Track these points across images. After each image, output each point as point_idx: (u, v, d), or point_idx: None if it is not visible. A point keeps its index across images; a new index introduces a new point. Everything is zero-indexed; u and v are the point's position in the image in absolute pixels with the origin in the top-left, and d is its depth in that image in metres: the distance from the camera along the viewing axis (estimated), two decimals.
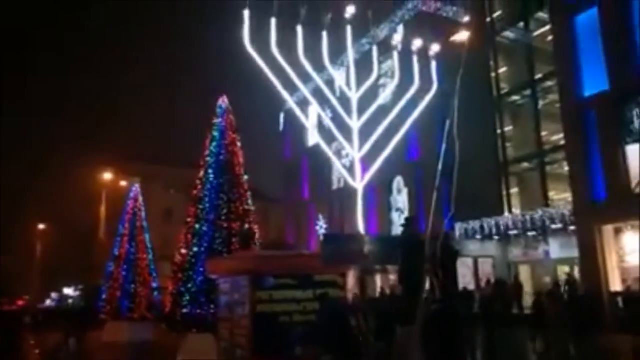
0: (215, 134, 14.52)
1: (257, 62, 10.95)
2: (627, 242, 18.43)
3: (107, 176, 33.51)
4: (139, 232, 22.85)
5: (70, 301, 51.59)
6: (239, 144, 14.64)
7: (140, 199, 23.64)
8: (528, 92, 26.31)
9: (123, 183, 34.24)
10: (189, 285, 12.78)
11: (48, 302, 55.19)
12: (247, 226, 13.55)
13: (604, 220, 18.65)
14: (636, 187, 17.88)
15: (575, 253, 20.09)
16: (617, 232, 18.73)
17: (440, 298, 6.39)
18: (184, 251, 13.44)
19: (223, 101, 14.93)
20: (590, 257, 18.82)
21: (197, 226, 13.46)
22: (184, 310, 12.54)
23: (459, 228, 24.03)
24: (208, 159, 14.13)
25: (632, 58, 18.36)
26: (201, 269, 12.60)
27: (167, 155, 51.01)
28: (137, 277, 21.83)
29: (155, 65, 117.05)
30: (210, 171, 13.93)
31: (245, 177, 14.38)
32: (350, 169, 11.65)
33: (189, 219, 13.82)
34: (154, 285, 22.20)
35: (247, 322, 9.55)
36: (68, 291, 56.99)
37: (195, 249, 13.19)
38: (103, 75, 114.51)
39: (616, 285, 18.05)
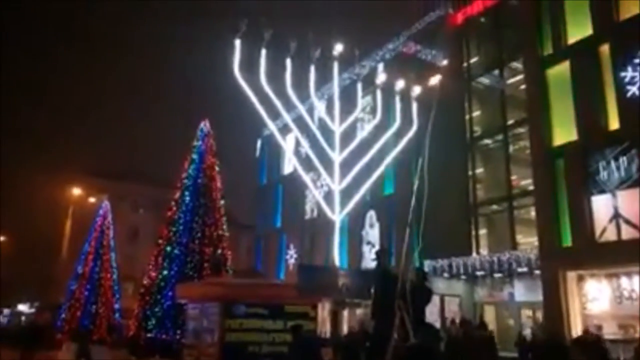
0: (195, 156, 14.49)
1: (241, 89, 11.12)
2: (589, 290, 18.96)
3: (76, 191, 32.73)
4: (104, 250, 22.28)
5: (23, 318, 49.22)
6: (217, 168, 14.64)
7: (109, 216, 23.17)
8: (500, 136, 27.17)
9: (91, 199, 33.49)
10: (156, 309, 12.46)
11: None
12: (219, 251, 13.41)
13: (568, 266, 19.16)
14: (600, 237, 18.53)
15: (539, 297, 20.46)
16: (580, 279, 19.25)
17: (420, 335, 6.45)
18: (153, 273, 13.17)
19: (205, 124, 14.97)
20: (554, 303, 19.23)
21: (168, 248, 13.25)
22: (149, 335, 12.19)
23: (427, 265, 24.26)
24: (185, 181, 14.04)
25: (599, 112, 19.28)
26: (170, 293, 12.36)
27: (138, 174, 50.08)
28: (100, 297, 21.17)
29: (132, 82, 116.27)
30: (186, 193, 13.82)
31: (222, 201, 14.33)
32: (327, 200, 11.77)
33: (160, 241, 13.58)
34: (116, 306, 21.55)
35: (215, 350, 9.41)
36: (22, 307, 54.48)
37: (165, 272, 12.94)
38: (78, 88, 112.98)
39: (578, 332, 18.42)
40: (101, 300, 21.23)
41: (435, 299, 23.73)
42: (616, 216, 18.25)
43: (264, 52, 10.77)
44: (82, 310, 20.86)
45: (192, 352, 10.31)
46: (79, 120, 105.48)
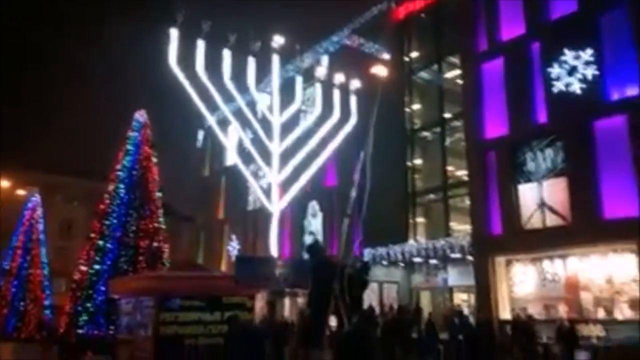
0: (130, 147, 14.05)
1: (180, 80, 10.89)
2: (515, 274, 20.11)
3: (4, 184, 30.85)
4: (34, 245, 21.20)
5: None
6: (154, 159, 14.26)
7: (39, 210, 22.04)
8: (437, 129, 28.03)
9: (20, 192, 31.69)
10: (88, 305, 12.06)
11: None
12: (155, 244, 13.13)
13: (497, 252, 20.21)
14: (526, 224, 19.67)
15: (471, 281, 21.47)
16: (508, 263, 20.36)
17: (355, 321, 6.60)
18: (83, 268, 12.71)
19: (141, 115, 14.54)
20: (484, 286, 20.26)
21: (100, 242, 12.81)
22: (80, 331, 11.79)
23: (367, 253, 24.80)
24: (120, 173, 13.59)
25: (527, 107, 20.35)
26: (102, 288, 11.99)
27: (73, 166, 47.77)
28: (28, 293, 20.13)
29: (65, 70, 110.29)
30: (121, 186, 13.39)
31: (159, 194, 14.00)
32: (268, 191, 11.79)
33: (92, 235, 13.11)
34: (47, 303, 20.60)
35: (150, 344, 9.25)
36: None
37: (97, 267, 12.52)
38: (7, 76, 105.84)
39: (506, 314, 19.53)
40: (30, 297, 20.19)
41: (375, 286, 24.37)
42: (542, 205, 19.42)
43: (201, 43, 10.59)
44: (8, 308, 19.78)
45: (126, 347, 10.11)
46: (8, 110, 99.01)
